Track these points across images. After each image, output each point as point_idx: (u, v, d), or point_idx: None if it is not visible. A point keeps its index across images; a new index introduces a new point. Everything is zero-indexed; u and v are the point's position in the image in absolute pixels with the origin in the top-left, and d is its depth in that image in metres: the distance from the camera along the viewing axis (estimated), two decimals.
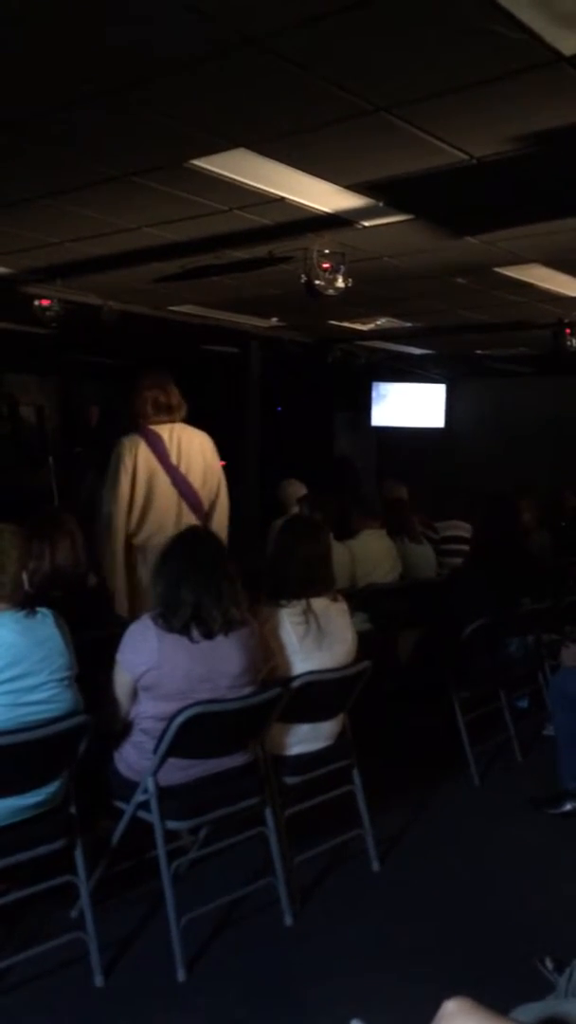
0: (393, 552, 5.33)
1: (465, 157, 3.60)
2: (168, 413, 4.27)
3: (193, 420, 4.56)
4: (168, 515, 4.18)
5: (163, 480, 4.19)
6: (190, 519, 4.23)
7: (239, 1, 2.45)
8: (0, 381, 11.59)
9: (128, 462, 4.16)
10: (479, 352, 9.74)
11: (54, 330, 7.45)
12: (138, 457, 4.17)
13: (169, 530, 3.82)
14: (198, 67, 2.89)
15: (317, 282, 4.97)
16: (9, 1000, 2.58)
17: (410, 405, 10.90)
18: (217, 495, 4.42)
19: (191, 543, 2.98)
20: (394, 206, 4.38)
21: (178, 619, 2.84)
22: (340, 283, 5.02)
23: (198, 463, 4.32)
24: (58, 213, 4.69)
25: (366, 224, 4.70)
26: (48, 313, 6.76)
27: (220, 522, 4.37)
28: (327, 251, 4.96)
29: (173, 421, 4.29)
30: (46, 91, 3.14)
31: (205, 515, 4.41)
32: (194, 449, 4.32)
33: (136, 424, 4.32)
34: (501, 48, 2.65)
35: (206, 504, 4.35)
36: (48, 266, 6.03)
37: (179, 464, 4.23)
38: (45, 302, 6.72)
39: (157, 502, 4.19)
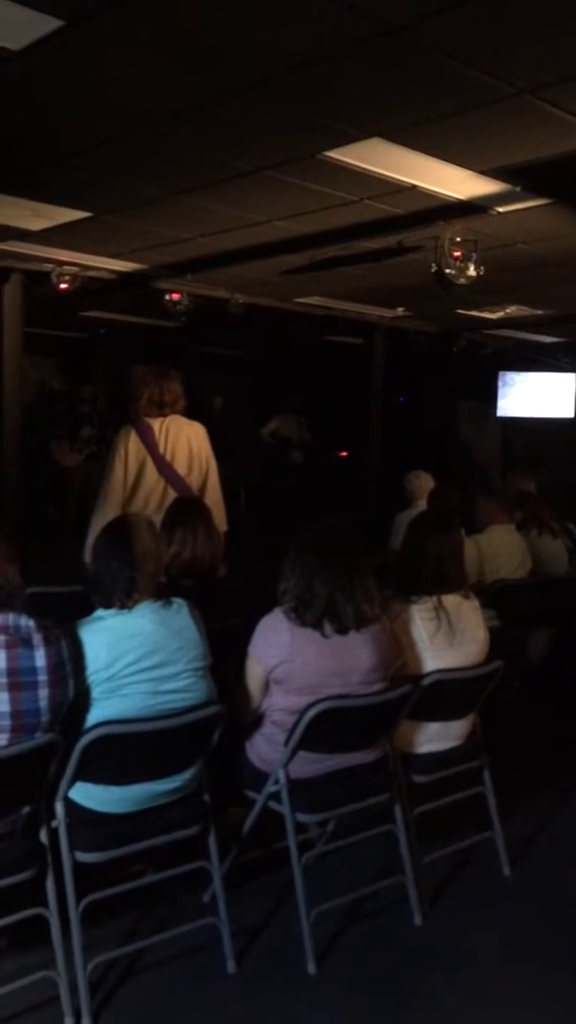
0: (523, 547, 5.18)
1: None
2: (160, 408, 4.78)
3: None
4: (153, 495, 4.72)
5: (150, 466, 4.74)
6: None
7: None
8: (127, 373, 11.96)
9: (121, 450, 4.73)
10: None
11: (182, 323, 7.60)
12: (129, 445, 4.73)
13: (153, 507, 4.46)
14: (338, 59, 2.87)
15: (448, 271, 4.88)
16: (144, 980, 2.65)
17: (538, 395, 10.58)
18: (206, 480, 4.89)
19: (326, 536, 2.97)
20: (532, 191, 4.25)
21: (311, 613, 2.84)
22: (471, 271, 4.92)
23: (183, 452, 4.81)
24: (190, 209, 4.77)
25: (501, 210, 4.58)
26: (178, 307, 6.90)
27: (210, 502, 4.72)
28: (459, 239, 4.86)
29: (165, 415, 4.78)
30: (180, 89, 3.19)
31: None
32: (181, 439, 4.81)
33: (133, 415, 4.90)
34: None
35: (194, 487, 4.83)
36: (179, 261, 6.16)
37: (165, 453, 4.76)
38: (176, 296, 6.86)
39: (143, 484, 4.74)
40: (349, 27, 2.63)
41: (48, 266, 6.49)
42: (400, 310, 8.27)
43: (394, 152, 3.74)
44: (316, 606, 2.83)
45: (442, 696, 3.12)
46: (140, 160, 4.02)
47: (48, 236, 5.59)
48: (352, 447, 10.76)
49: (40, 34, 2.81)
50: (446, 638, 3.22)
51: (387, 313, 8.45)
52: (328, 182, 4.20)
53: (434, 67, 2.90)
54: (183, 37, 2.78)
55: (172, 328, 8.27)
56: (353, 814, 3.00)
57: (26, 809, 2.46)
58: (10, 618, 2.38)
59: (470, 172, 3.99)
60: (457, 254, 4.84)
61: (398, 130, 3.51)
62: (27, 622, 2.41)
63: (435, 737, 3.23)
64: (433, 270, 4.92)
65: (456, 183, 4.16)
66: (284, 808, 2.81)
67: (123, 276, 6.74)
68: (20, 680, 2.35)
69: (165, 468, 4.75)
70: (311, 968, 2.71)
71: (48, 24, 2.74)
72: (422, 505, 5.97)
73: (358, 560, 2.92)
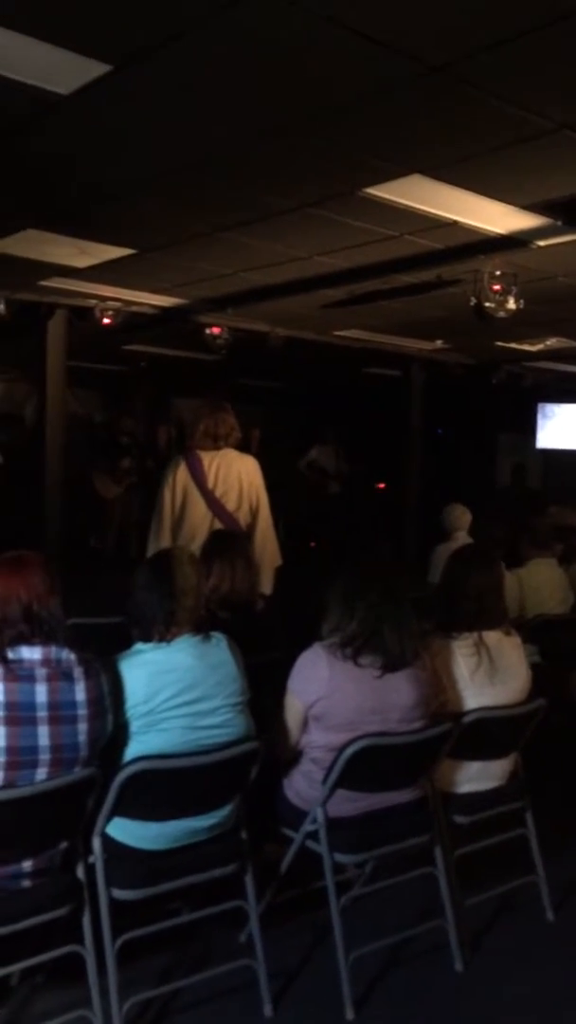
0: (565, 582, 5.11)
1: None
2: (214, 441, 4.80)
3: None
4: (201, 527, 4.71)
5: (196, 498, 4.76)
6: None
7: (425, 32, 2.44)
8: (169, 406, 12.07)
9: (170, 479, 4.80)
10: None
11: (222, 356, 7.68)
12: (178, 476, 4.79)
13: (200, 540, 4.33)
14: (379, 97, 2.90)
15: (487, 304, 4.88)
16: (180, 1022, 2.62)
17: None
18: (256, 515, 4.88)
19: (373, 572, 2.95)
20: (573, 224, 4.23)
21: (353, 648, 2.81)
22: (511, 305, 4.90)
23: (235, 487, 4.81)
24: (232, 245, 4.84)
25: (541, 244, 4.58)
26: (218, 341, 6.97)
27: (262, 536, 4.81)
28: (498, 272, 4.86)
29: (219, 448, 4.81)
30: (223, 128, 3.25)
31: (245, 533, 4.81)
32: (232, 474, 4.81)
33: (186, 447, 4.98)
34: None
35: (243, 522, 4.80)
36: (220, 296, 6.23)
37: (214, 487, 4.76)
38: (216, 330, 6.93)
39: (190, 516, 4.77)
40: (390, 66, 2.66)
41: (92, 301, 6.61)
42: (439, 343, 8.27)
43: (435, 188, 3.76)
44: (360, 642, 2.81)
45: (483, 735, 3.07)
46: (183, 199, 4.09)
47: (93, 273, 5.69)
48: (390, 479, 10.73)
49: (88, 79, 2.88)
50: (487, 675, 3.17)
51: (425, 346, 8.46)
52: (369, 218, 4.23)
53: (475, 104, 2.92)
54: (225, 79, 2.83)
55: (212, 361, 8.36)
56: (392, 855, 2.95)
57: (63, 845, 2.45)
58: (52, 651, 2.40)
59: (511, 207, 4.00)
60: (497, 287, 4.84)
61: (439, 167, 3.54)
62: (68, 655, 2.42)
63: (476, 777, 3.18)
64: (472, 303, 4.91)
65: (497, 218, 4.16)
66: (322, 848, 2.77)
67: (165, 311, 6.83)
68: (60, 714, 2.36)
69: (212, 502, 4.75)
70: (349, 1014, 2.65)
71: (96, 69, 2.81)
72: (461, 538, 5.92)
73: (403, 596, 2.89)
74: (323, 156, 3.45)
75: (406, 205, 3.99)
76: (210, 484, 4.76)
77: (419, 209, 4.05)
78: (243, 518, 4.82)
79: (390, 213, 4.11)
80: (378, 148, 3.37)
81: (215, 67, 2.75)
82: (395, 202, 3.95)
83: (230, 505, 4.79)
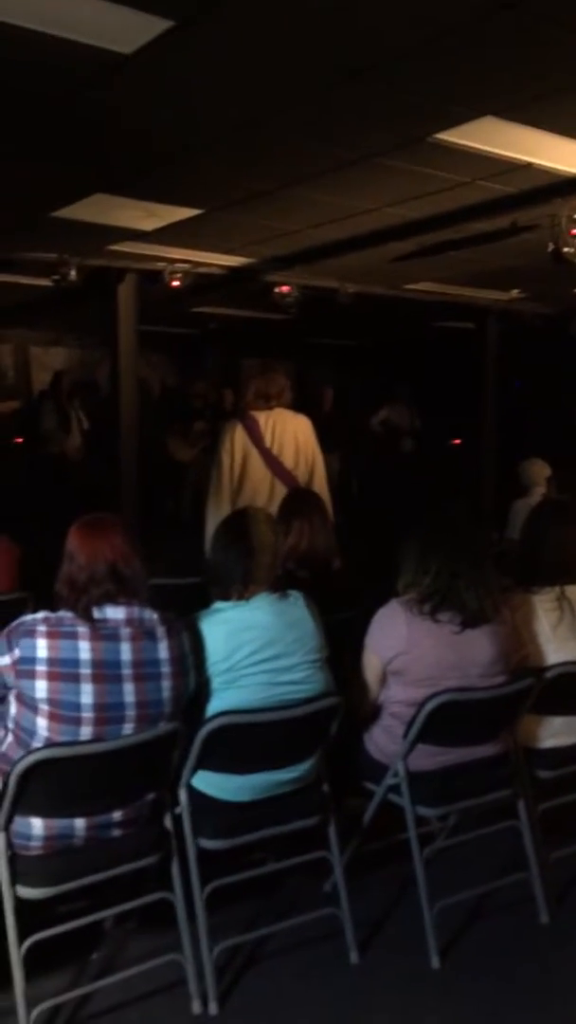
0: None
1: None
2: (266, 401, 4.83)
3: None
4: (261, 488, 4.79)
5: (256, 459, 4.80)
6: (283, 492, 4.70)
7: None
8: (239, 367, 12.08)
9: (227, 442, 4.83)
10: None
11: (292, 315, 7.63)
12: (235, 439, 4.81)
13: (262, 500, 4.48)
14: (446, 38, 2.80)
15: (566, 249, 4.73)
16: (268, 967, 2.69)
17: None
18: (312, 473, 4.92)
19: (451, 527, 2.91)
20: None
21: (431, 604, 2.80)
22: None
23: (290, 445, 4.84)
24: (299, 201, 4.78)
25: None
26: (287, 299, 6.92)
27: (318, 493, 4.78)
28: None
29: (271, 408, 4.83)
30: (288, 79, 3.19)
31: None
32: (288, 433, 4.84)
33: (240, 409, 5.04)
34: None
35: (301, 480, 4.84)
36: (288, 254, 6.17)
37: (271, 446, 4.80)
38: (285, 289, 6.88)
39: (250, 477, 4.82)
40: (458, 5, 2.56)
41: (161, 264, 6.62)
42: (514, 292, 8.05)
43: (508, 130, 3.63)
44: (437, 599, 2.79)
45: (566, 690, 3.02)
46: (249, 155, 4.05)
47: (160, 235, 5.70)
48: (466, 435, 10.55)
49: (150, 36, 2.86)
50: (570, 629, 3.12)
51: (501, 296, 8.25)
52: (439, 165, 4.12)
53: (546, 40, 2.81)
54: (290, 28, 2.78)
55: (282, 320, 8.31)
56: (475, 809, 2.95)
57: (151, 796, 2.52)
58: (135, 611, 2.45)
59: None
60: (575, 231, 4.67)
61: (511, 107, 3.41)
62: (151, 615, 2.47)
63: (560, 732, 3.14)
64: (550, 249, 4.76)
65: (573, 157, 4.01)
66: (404, 801, 2.79)
67: (233, 271, 6.81)
68: (144, 672, 2.41)
69: (272, 461, 4.82)
70: (434, 963, 2.68)
71: (158, 25, 2.78)
72: (540, 493, 5.79)
73: (483, 551, 2.86)
74: (391, 102, 3.36)
75: (478, 149, 3.87)
76: (267, 443, 4.82)
77: (492, 152, 3.92)
78: (301, 476, 4.88)
79: (461, 158, 4.00)
80: (447, 92, 3.27)
81: (278, 17, 2.70)
82: (466, 146, 3.83)
83: (288, 463, 4.84)
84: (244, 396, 5.01)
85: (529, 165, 4.10)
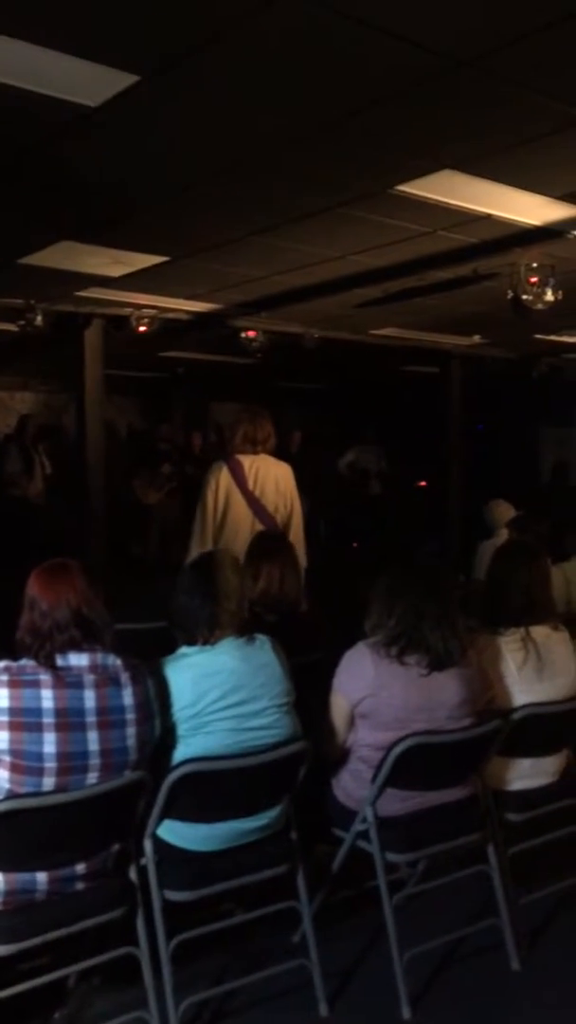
0: None
1: None
2: (253, 445, 4.97)
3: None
4: (242, 528, 4.89)
5: (238, 500, 4.94)
6: None
7: (451, 27, 2.43)
8: (207, 410, 12.14)
9: (213, 483, 4.97)
10: None
11: (258, 359, 7.70)
12: (220, 480, 4.96)
13: (242, 540, 4.50)
14: (407, 95, 2.89)
15: (525, 297, 4.83)
16: (237, 1022, 2.62)
17: None
18: (291, 518, 5.09)
19: (418, 571, 2.93)
20: None
21: (398, 647, 2.80)
22: (549, 296, 4.85)
23: (271, 489, 5.01)
24: (265, 249, 4.85)
25: None
26: (254, 344, 6.99)
27: (294, 539, 4.87)
28: (535, 265, 4.81)
29: (256, 452, 4.99)
30: (251, 134, 3.26)
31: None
32: (270, 478, 5.01)
33: (226, 452, 5.13)
34: None
35: (280, 524, 4.99)
36: (254, 300, 6.25)
37: (254, 489, 4.95)
38: (251, 334, 6.95)
39: (232, 517, 4.95)
40: (417, 63, 2.65)
41: (127, 310, 6.67)
42: (476, 338, 8.21)
43: (467, 182, 3.74)
44: (404, 640, 2.79)
45: (533, 731, 3.03)
46: (215, 205, 4.12)
47: (127, 281, 5.75)
48: (431, 477, 10.66)
49: (116, 90, 2.91)
50: (535, 671, 3.13)
51: (463, 341, 8.40)
52: (401, 216, 4.22)
53: (504, 97, 2.90)
54: (253, 85, 2.85)
55: (248, 365, 8.39)
56: (445, 854, 2.93)
57: (115, 848, 2.47)
58: (99, 657, 2.42)
59: (545, 198, 3.96)
60: (534, 280, 4.80)
61: (470, 161, 3.52)
62: (114, 661, 2.44)
63: (528, 774, 3.14)
64: (510, 297, 4.88)
65: (531, 210, 4.13)
66: (373, 847, 2.76)
67: (199, 316, 6.88)
68: (109, 719, 2.38)
69: (254, 503, 4.95)
70: (405, 1013, 2.64)
71: (124, 80, 2.84)
72: (505, 534, 5.85)
73: (449, 593, 2.87)
74: (353, 156, 3.45)
75: (438, 200, 3.97)
76: (250, 486, 4.95)
77: (452, 204, 4.02)
78: (280, 520, 5.02)
79: (423, 209, 4.10)
80: (408, 145, 3.36)
81: (241, 74, 2.77)
82: (427, 198, 3.93)
83: (268, 507, 4.99)
84: (232, 439, 5.14)
85: (488, 216, 4.21)
